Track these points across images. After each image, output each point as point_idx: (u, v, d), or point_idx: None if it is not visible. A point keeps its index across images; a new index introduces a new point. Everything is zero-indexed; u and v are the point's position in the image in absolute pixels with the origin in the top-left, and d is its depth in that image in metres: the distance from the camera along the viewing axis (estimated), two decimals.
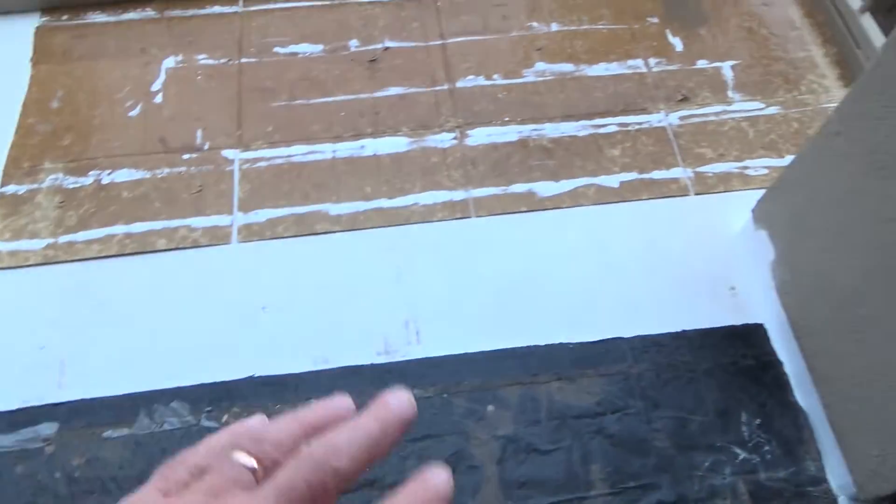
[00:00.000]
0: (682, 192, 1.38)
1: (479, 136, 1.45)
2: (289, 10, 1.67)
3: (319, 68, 1.56)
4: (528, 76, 1.54)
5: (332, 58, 1.58)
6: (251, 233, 1.33)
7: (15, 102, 1.50)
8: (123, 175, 1.39)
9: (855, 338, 0.99)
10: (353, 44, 1.61)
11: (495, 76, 1.54)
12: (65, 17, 1.65)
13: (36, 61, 1.57)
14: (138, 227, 1.33)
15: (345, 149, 1.44)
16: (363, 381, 1.17)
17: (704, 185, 1.38)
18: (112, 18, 1.65)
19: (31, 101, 1.50)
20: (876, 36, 1.44)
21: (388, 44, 1.60)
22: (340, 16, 1.66)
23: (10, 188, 1.38)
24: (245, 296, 1.26)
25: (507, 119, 1.48)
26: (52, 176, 1.39)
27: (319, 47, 1.60)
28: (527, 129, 1.46)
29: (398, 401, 0.37)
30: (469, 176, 1.40)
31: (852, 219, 0.97)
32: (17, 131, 1.45)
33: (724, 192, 1.37)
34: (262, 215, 1.35)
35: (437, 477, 0.34)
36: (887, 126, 0.89)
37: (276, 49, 1.60)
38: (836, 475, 1.07)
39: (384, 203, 1.36)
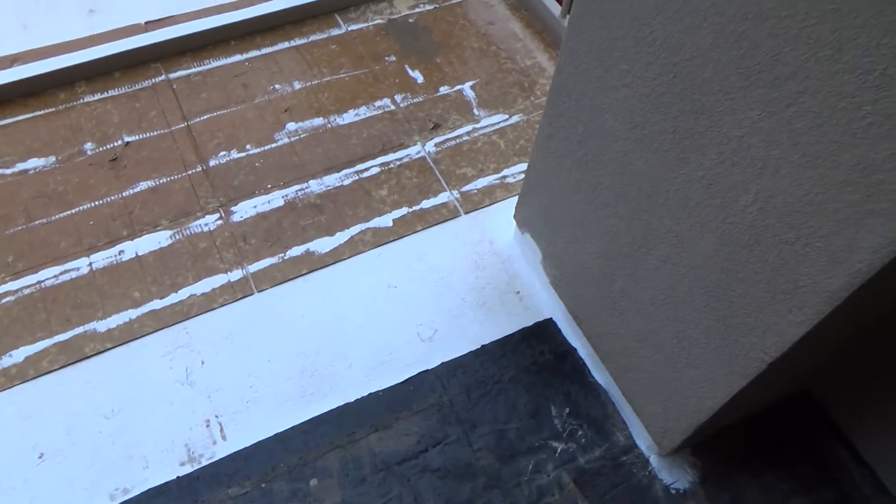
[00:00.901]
0: (453, 214, 1.43)
1: (245, 209, 1.41)
2: (7, 126, 1.53)
3: (56, 180, 1.45)
4: (282, 139, 1.54)
5: (69, 166, 1.47)
6: (10, 378, 1.19)
7: None
8: None
9: (616, 312, 1.07)
10: (89, 147, 1.51)
11: (248, 146, 1.52)
12: None
13: None
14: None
15: (101, 258, 1.34)
16: (172, 499, 1.08)
17: (471, 203, 1.45)
18: None
19: None
20: None
21: (128, 139, 1.52)
22: (69, 120, 1.55)
23: None
24: (17, 448, 1.12)
25: (269, 186, 1.46)
26: None
27: (52, 159, 1.48)
28: (291, 191, 1.45)
29: None
30: (243, 253, 1.35)
31: (580, 210, 1.06)
32: None
33: (490, 204, 1.44)
34: (18, 355, 1.21)
35: None
36: (581, 123, 0.98)
37: (2, 171, 1.46)
38: (642, 439, 1.15)
39: (157, 304, 1.28)
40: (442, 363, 1.23)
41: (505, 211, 1.41)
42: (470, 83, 1.67)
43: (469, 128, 1.58)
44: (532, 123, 1.59)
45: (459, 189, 1.47)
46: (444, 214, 1.43)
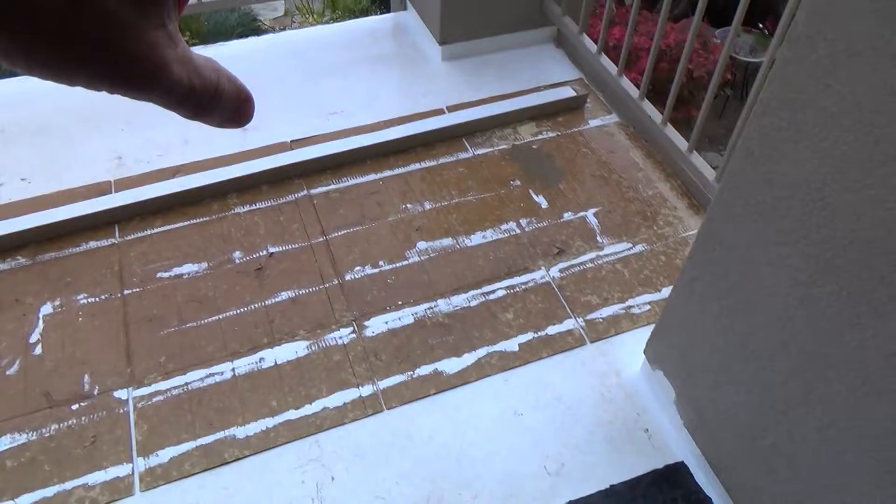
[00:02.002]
0: (578, 342, 1.44)
1: (377, 325, 1.48)
2: (166, 232, 1.68)
3: (206, 286, 1.56)
4: (412, 257, 1.61)
5: (218, 273, 1.59)
6: (155, 477, 1.25)
7: None
8: (5, 443, 1.29)
9: (765, 470, 1.03)
10: (237, 255, 1.63)
11: (381, 262, 1.60)
12: None
13: None
14: (27, 498, 1.22)
15: (243, 364, 1.41)
16: None
17: (597, 332, 1.46)
18: None
19: None
20: (707, 170, 1.63)
21: (272, 249, 1.64)
22: (220, 230, 1.69)
23: None
24: None
25: (400, 303, 1.52)
26: None
27: (203, 265, 1.61)
28: (421, 309, 1.50)
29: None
30: (374, 368, 1.40)
31: (726, 357, 1.05)
32: None
33: (616, 334, 1.45)
34: (164, 455, 1.28)
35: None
36: (734, 272, 0.99)
37: (160, 274, 1.59)
38: None
39: (292, 414, 1.33)
40: (569, 502, 1.21)
41: (632, 343, 1.41)
42: (593, 210, 1.71)
43: (593, 255, 1.61)
44: (656, 254, 1.61)
45: (584, 316, 1.48)
46: (569, 342, 1.44)
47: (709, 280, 1.06)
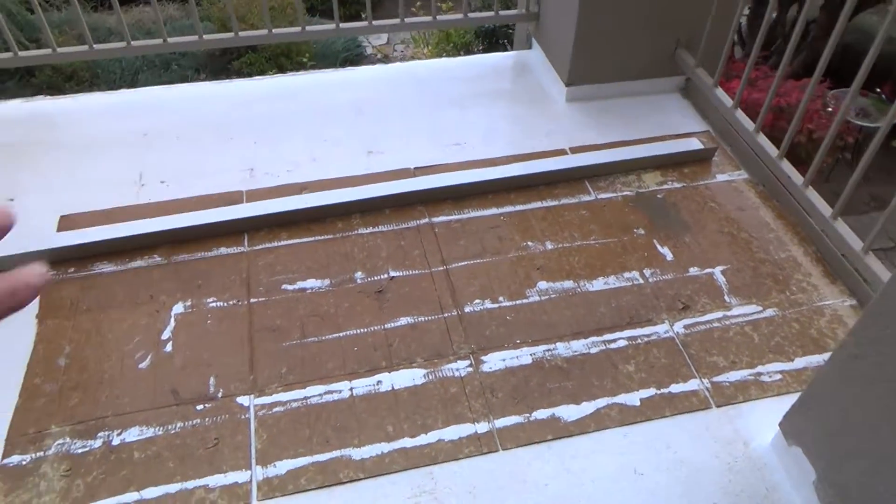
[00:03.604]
0: (703, 405, 1.38)
1: (494, 361, 1.46)
2: (292, 246, 1.73)
3: (328, 303, 1.60)
4: (532, 296, 1.60)
5: (340, 291, 1.62)
6: (272, 488, 1.27)
7: (19, 362, 1.47)
8: (134, 434, 1.35)
9: None
10: (359, 275, 1.66)
11: (501, 298, 1.59)
12: (71, 269, 1.68)
13: (42, 317, 1.57)
14: (151, 492, 1.26)
15: (362, 385, 1.43)
16: None
17: (723, 396, 1.40)
18: (119, 268, 1.68)
19: (36, 360, 1.48)
20: (852, 239, 1.55)
21: (393, 273, 1.66)
22: (344, 248, 1.73)
23: (14, 458, 1.31)
24: None
25: (518, 341, 1.50)
26: (59, 441, 1.33)
27: (327, 281, 1.64)
28: (539, 351, 1.48)
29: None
30: (490, 405, 1.39)
31: (892, 446, 0.98)
32: (22, 394, 1.41)
33: (744, 401, 1.38)
34: (282, 467, 1.30)
35: (33, 270, 0.42)
36: None
37: (285, 286, 1.63)
38: None
39: (408, 442, 1.33)
40: None
41: (761, 412, 1.34)
42: (720, 268, 1.66)
43: (720, 314, 1.55)
44: (788, 321, 1.53)
45: (710, 378, 1.43)
46: (693, 403, 1.38)
47: (875, 360, 1.00)
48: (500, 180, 1.88)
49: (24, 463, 1.30)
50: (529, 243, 1.73)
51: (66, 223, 1.80)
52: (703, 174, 1.94)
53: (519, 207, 1.84)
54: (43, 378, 1.44)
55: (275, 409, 1.39)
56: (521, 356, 1.47)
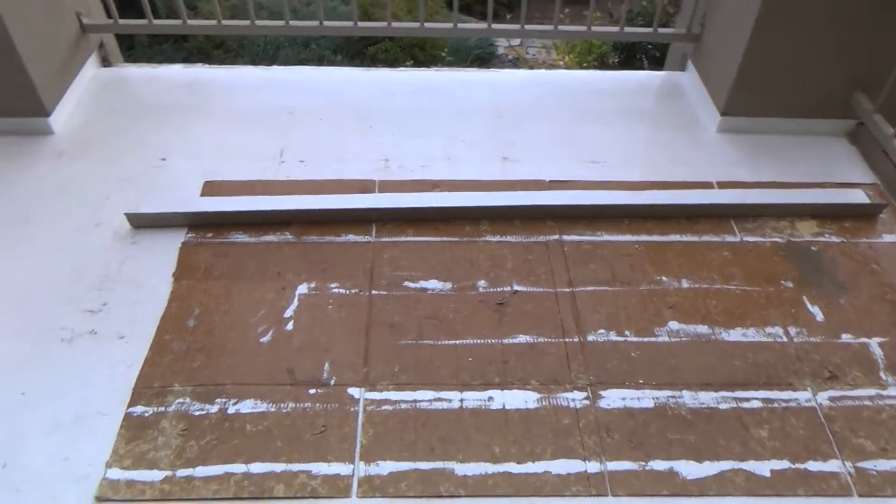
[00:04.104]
0: (844, 491, 1.25)
1: (613, 398, 1.39)
2: (418, 244, 1.72)
3: (448, 307, 1.57)
4: (661, 335, 1.50)
5: (461, 297, 1.59)
6: (372, 487, 1.25)
7: (153, 317, 1.54)
8: (248, 406, 1.37)
9: None
10: (482, 284, 1.62)
11: (627, 332, 1.51)
12: (209, 234, 1.74)
13: (178, 276, 1.63)
14: (258, 467, 1.28)
15: (472, 399, 1.39)
16: None
17: (868, 485, 1.25)
18: (252, 240, 1.73)
19: (168, 316, 1.54)
20: None
21: (517, 287, 1.61)
22: (469, 253, 1.69)
23: (138, 409, 1.37)
24: None
25: (641, 382, 1.42)
26: (180, 400, 1.38)
27: (448, 285, 1.62)
28: (663, 396, 1.39)
29: None
30: (604, 445, 1.31)
31: None
32: (152, 347, 1.48)
33: (893, 497, 1.24)
34: (384, 468, 1.28)
35: None
36: None
37: (406, 283, 1.62)
38: None
39: (513, 468, 1.28)
40: None
41: None
42: (878, 339, 1.50)
43: (872, 392, 1.40)
44: None
45: (855, 462, 1.28)
46: (833, 487, 1.25)
47: None
48: (639, 206, 1.79)
49: (146, 415, 1.36)
50: (663, 278, 1.63)
51: (210, 189, 1.88)
52: (867, 231, 1.76)
53: (656, 238, 1.74)
54: (172, 336, 1.50)
55: (384, 407, 1.38)
56: (643, 398, 1.39)
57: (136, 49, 4.59)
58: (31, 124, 2.00)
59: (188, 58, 4.86)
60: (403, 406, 1.38)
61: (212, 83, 2.31)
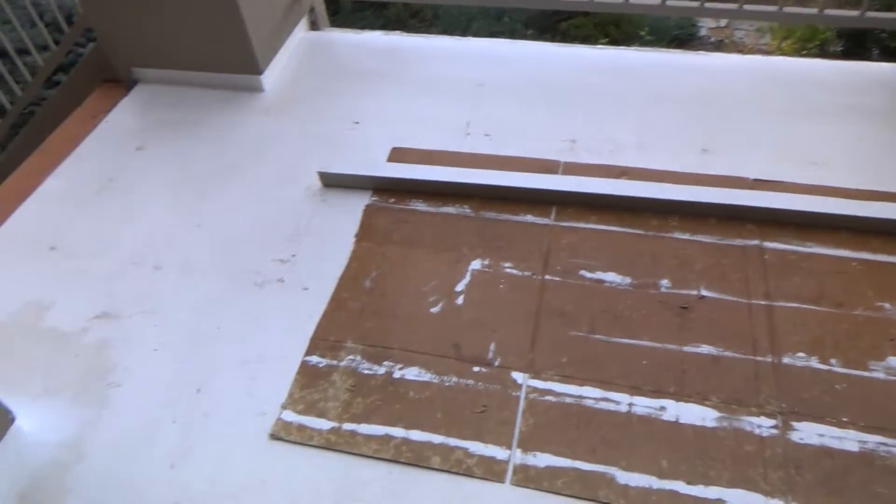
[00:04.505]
0: None
1: (808, 433, 1.23)
2: (600, 232, 1.63)
3: (625, 304, 1.48)
4: (877, 371, 1.30)
5: (640, 294, 1.49)
6: (527, 478, 1.22)
7: (334, 273, 1.61)
8: (413, 373, 1.39)
9: None
10: (664, 284, 1.50)
11: (832, 361, 1.33)
12: (391, 199, 1.78)
13: (359, 237, 1.69)
14: (417, 435, 1.29)
15: (643, 405, 1.30)
16: None
17: None
18: (431, 209, 1.74)
19: (348, 275, 1.60)
20: None
21: (704, 293, 1.48)
22: (654, 249, 1.58)
23: (313, 359, 1.44)
24: None
25: (845, 420, 1.24)
26: (351, 357, 1.43)
27: (628, 280, 1.52)
28: (872, 441, 1.21)
29: None
30: (792, 483, 1.17)
31: None
32: (331, 303, 1.54)
33: None
34: (541, 460, 1.24)
35: None
36: None
37: (582, 272, 1.55)
38: None
39: (681, 487, 1.18)
40: None
41: None
42: None
43: None
44: None
45: None
46: None
47: None
48: (863, 219, 1.56)
49: (320, 365, 1.42)
50: (886, 305, 1.41)
51: (396, 155, 1.92)
52: None
53: (881, 257, 1.51)
54: (349, 294, 1.56)
55: (546, 398, 1.33)
56: (846, 439, 1.21)
57: (340, 14, 4.84)
58: (245, 81, 2.17)
59: (385, 25, 5.04)
60: (567, 400, 1.32)
61: (408, 51, 2.35)
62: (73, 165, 2.01)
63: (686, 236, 1.60)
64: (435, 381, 1.38)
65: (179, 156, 1.99)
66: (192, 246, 1.72)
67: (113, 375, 1.45)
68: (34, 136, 2.29)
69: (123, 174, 1.96)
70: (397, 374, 1.39)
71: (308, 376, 1.41)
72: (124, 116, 2.17)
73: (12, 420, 1.33)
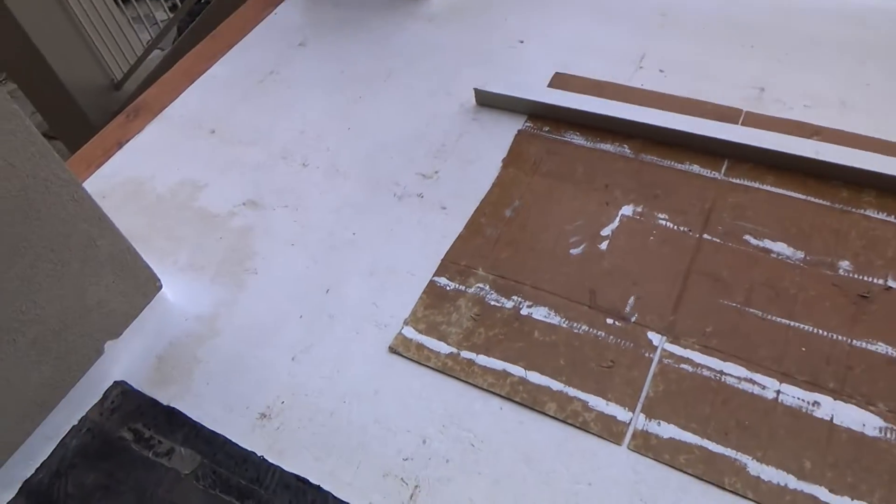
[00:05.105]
0: None
1: None
2: (776, 196, 1.44)
3: (791, 280, 1.31)
4: None
5: (812, 273, 1.31)
6: (647, 445, 1.13)
7: (475, 196, 1.55)
8: (541, 313, 1.32)
9: None
10: (844, 265, 1.31)
11: None
12: (546, 128, 1.67)
13: (506, 163, 1.61)
14: (536, 378, 1.24)
15: (793, 396, 1.16)
16: None
17: None
18: (587, 144, 1.62)
19: (489, 200, 1.54)
20: None
21: (892, 283, 1.27)
22: (838, 224, 1.37)
23: (441, 280, 1.41)
24: None
25: None
26: (479, 285, 1.38)
27: (800, 254, 1.34)
28: None
29: None
30: None
31: None
32: (468, 226, 1.49)
33: None
34: (665, 430, 1.14)
35: None
36: None
37: (747, 237, 1.38)
38: None
39: (822, 494, 1.05)
40: None
41: None
42: None
43: None
44: None
45: None
46: None
47: None
48: None
49: (447, 288, 1.39)
50: None
51: (558, 81, 1.79)
52: None
53: None
54: (487, 220, 1.50)
55: (682, 366, 1.22)
56: None
57: None
58: None
59: None
60: (705, 373, 1.20)
61: None
62: (239, 55, 2.07)
63: (881, 216, 1.38)
64: (564, 325, 1.30)
65: (339, 55, 1.98)
66: (340, 148, 1.72)
67: (251, 262, 1.50)
68: (208, 23, 2.37)
69: (284, 68, 1.98)
70: (525, 311, 1.33)
71: (434, 297, 1.38)
72: (291, 11, 2.19)
73: (159, 288, 1.42)
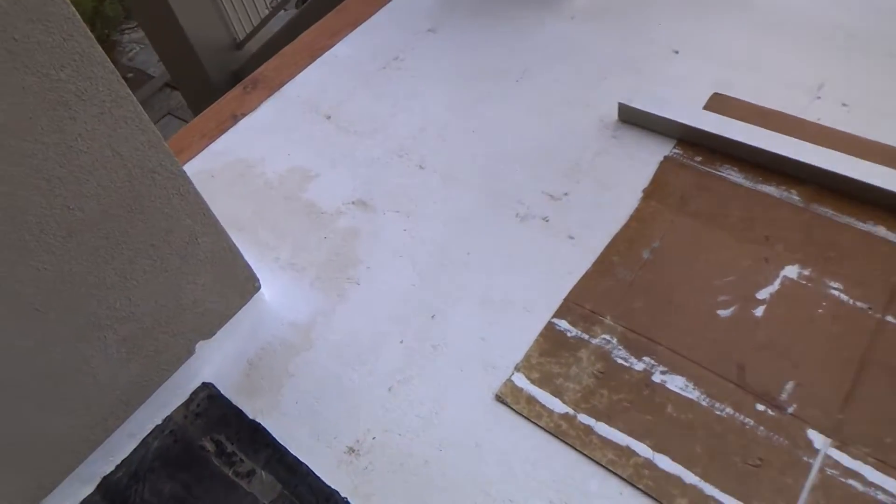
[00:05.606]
0: None
1: None
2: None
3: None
4: None
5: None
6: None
7: (609, 228, 1.36)
8: (677, 384, 1.14)
9: None
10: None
11: None
12: (698, 157, 1.46)
13: (648, 194, 1.41)
14: (665, 463, 1.06)
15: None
16: None
17: None
18: (746, 182, 1.39)
19: (624, 236, 1.35)
20: None
21: None
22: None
23: (562, 324, 1.24)
24: None
25: None
26: (606, 336, 1.21)
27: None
28: None
29: None
30: None
31: None
32: (596, 263, 1.32)
33: None
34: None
35: None
36: None
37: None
38: None
39: None
40: None
41: None
42: None
43: None
44: None
45: None
46: None
47: None
48: None
49: (569, 334, 1.22)
50: None
51: (716, 103, 1.56)
52: None
53: None
54: (621, 259, 1.31)
55: (850, 481, 1.01)
56: None
57: None
58: None
59: None
60: (881, 497, 0.99)
61: None
62: (364, 34, 1.94)
63: None
64: (703, 402, 1.11)
65: (470, 48, 1.82)
66: (462, 152, 1.57)
67: (354, 270, 1.39)
68: None
69: (410, 55, 1.84)
70: (658, 378, 1.15)
71: (552, 342, 1.22)
72: None
73: (258, 288, 1.33)
